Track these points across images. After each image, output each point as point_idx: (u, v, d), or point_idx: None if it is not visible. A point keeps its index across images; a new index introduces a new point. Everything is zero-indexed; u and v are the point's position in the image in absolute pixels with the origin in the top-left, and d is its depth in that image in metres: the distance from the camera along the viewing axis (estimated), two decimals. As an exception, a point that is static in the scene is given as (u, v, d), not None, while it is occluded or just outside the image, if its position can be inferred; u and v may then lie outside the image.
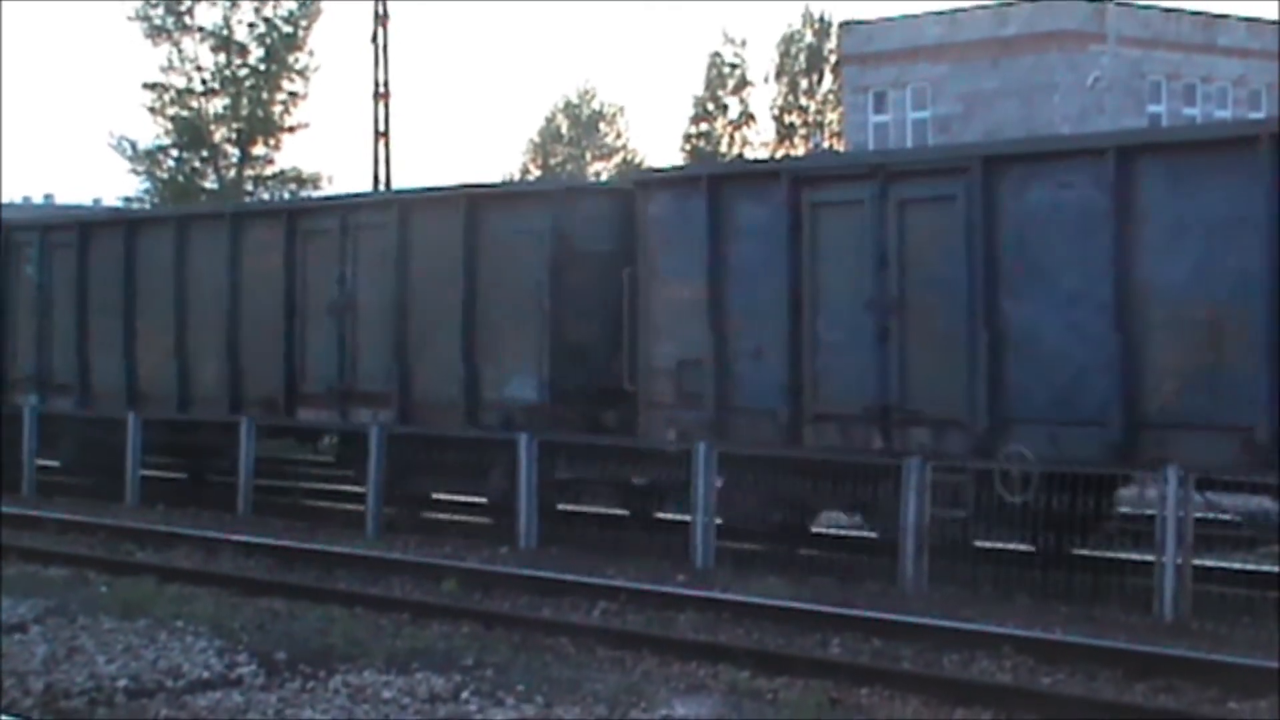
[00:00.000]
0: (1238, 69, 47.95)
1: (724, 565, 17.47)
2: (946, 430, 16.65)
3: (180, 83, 53.04)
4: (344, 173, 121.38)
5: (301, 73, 53.42)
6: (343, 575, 17.26)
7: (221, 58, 52.85)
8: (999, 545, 16.97)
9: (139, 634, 13.35)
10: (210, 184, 53.01)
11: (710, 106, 75.82)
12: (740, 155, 71.93)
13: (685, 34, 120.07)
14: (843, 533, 18.69)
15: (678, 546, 17.84)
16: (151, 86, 53.18)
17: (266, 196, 49.61)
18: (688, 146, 75.47)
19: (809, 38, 74.75)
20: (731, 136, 75.71)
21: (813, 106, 74.73)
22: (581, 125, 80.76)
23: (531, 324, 20.01)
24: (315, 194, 47.72)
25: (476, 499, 21.28)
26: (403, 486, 21.13)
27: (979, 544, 16.46)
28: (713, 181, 18.51)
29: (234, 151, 53.74)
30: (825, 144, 68.32)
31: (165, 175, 53.56)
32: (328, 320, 22.25)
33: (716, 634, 13.96)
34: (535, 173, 77.20)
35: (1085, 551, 16.21)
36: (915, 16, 48.47)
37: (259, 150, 53.86)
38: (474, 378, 20.62)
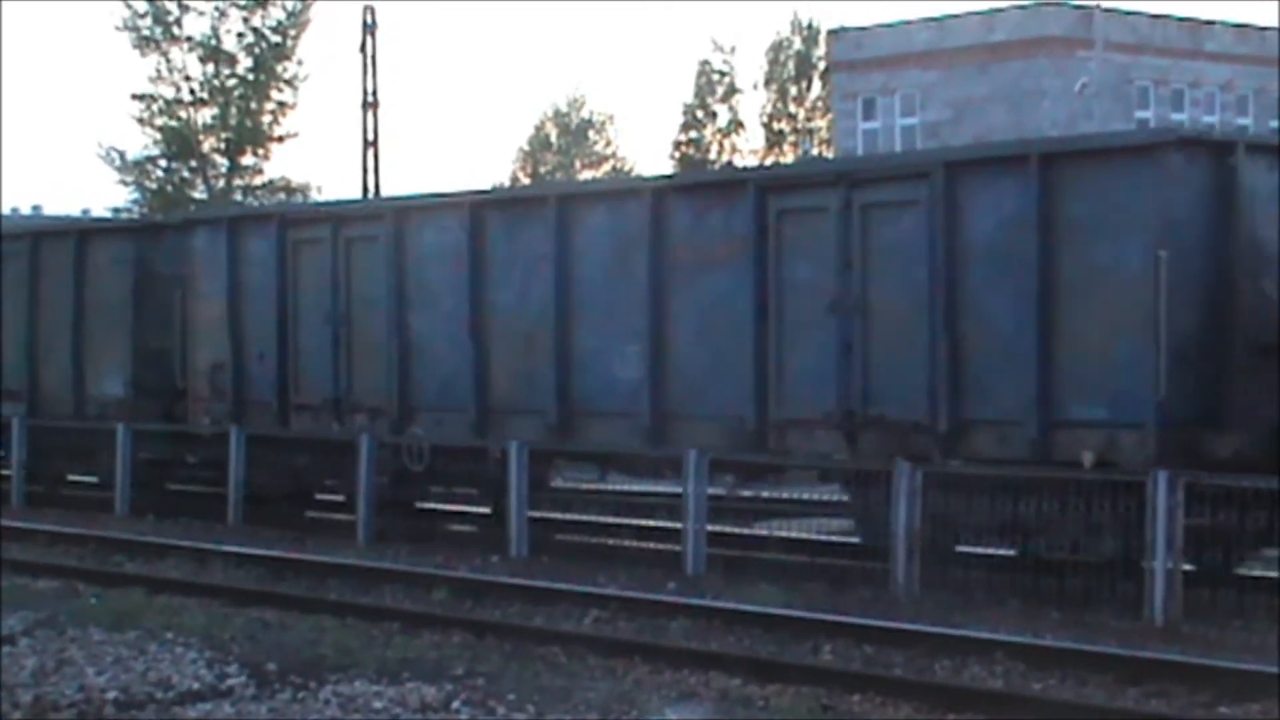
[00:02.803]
0: (1225, 74, 48.04)
1: (715, 572, 17.47)
2: (378, 416, 21.46)
3: (169, 93, 53.02)
4: (333, 182, 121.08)
5: (290, 82, 53.39)
6: (333, 585, 17.23)
7: (210, 68, 52.83)
8: (988, 551, 17.03)
9: (129, 645, 13.31)
10: (199, 194, 52.97)
11: (699, 114, 75.84)
12: (730, 163, 72.00)
13: (674, 41, 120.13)
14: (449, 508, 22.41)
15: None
16: (140, 97, 53.14)
17: (256, 205, 49.56)
18: (677, 154, 75.50)
19: (798, 44, 74.80)
20: (721, 144, 75.77)
21: (802, 113, 74.77)
22: (571, 133, 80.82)
23: (121, 334, 24.71)
24: (305, 202, 47.65)
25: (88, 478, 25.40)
26: (44, 467, 25.49)
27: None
28: (231, 222, 23.75)
29: (223, 161, 53.70)
30: (815, 151, 68.37)
31: (154, 185, 53.52)
32: None
33: (708, 641, 13.93)
34: (525, 180, 77.19)
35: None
36: (904, 23, 48.52)
37: (248, 160, 53.83)
38: (80, 377, 25.28)
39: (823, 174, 18.83)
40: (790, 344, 17.80)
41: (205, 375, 23.43)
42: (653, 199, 19.00)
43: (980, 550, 17.12)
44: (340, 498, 22.12)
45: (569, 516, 21.32)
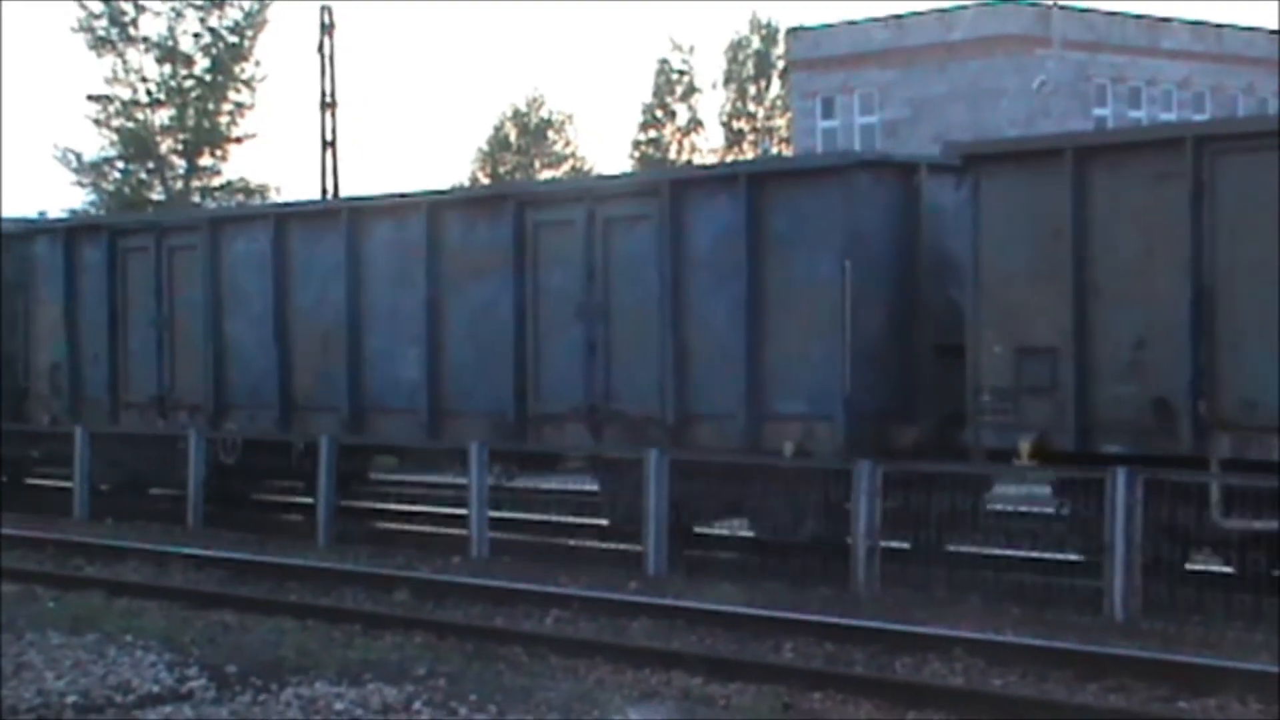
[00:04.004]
0: (1182, 71, 48.25)
1: (677, 572, 17.50)
2: (195, 414, 23.17)
3: (125, 94, 52.75)
4: (293, 183, 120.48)
5: (248, 83, 53.14)
6: (294, 587, 17.19)
7: (167, 69, 52.55)
8: (949, 549, 17.10)
9: (88, 649, 13.25)
10: (157, 195, 52.69)
11: (659, 113, 75.85)
12: (689, 161, 72.02)
13: (633, 41, 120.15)
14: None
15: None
16: (96, 98, 52.83)
17: (213, 206, 49.39)
18: (637, 154, 75.47)
19: (756, 43, 74.86)
20: (680, 143, 75.79)
21: (761, 112, 74.85)
22: (530, 133, 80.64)
23: None
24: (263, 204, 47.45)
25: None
26: None
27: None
28: (68, 232, 25.40)
29: (181, 163, 53.42)
30: (774, 149, 68.43)
31: (111, 187, 53.19)
32: None
33: (669, 641, 13.94)
34: (485, 180, 77.02)
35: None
36: (862, 21, 48.59)
37: (206, 161, 53.57)
38: None
39: (570, 190, 21.54)
40: (545, 346, 19.61)
41: (46, 375, 25.15)
42: (428, 213, 20.72)
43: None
44: (171, 491, 23.54)
45: (529, 516, 21.34)
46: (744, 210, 17.84)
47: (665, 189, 18.68)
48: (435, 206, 20.90)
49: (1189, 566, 15.72)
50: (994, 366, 16.20)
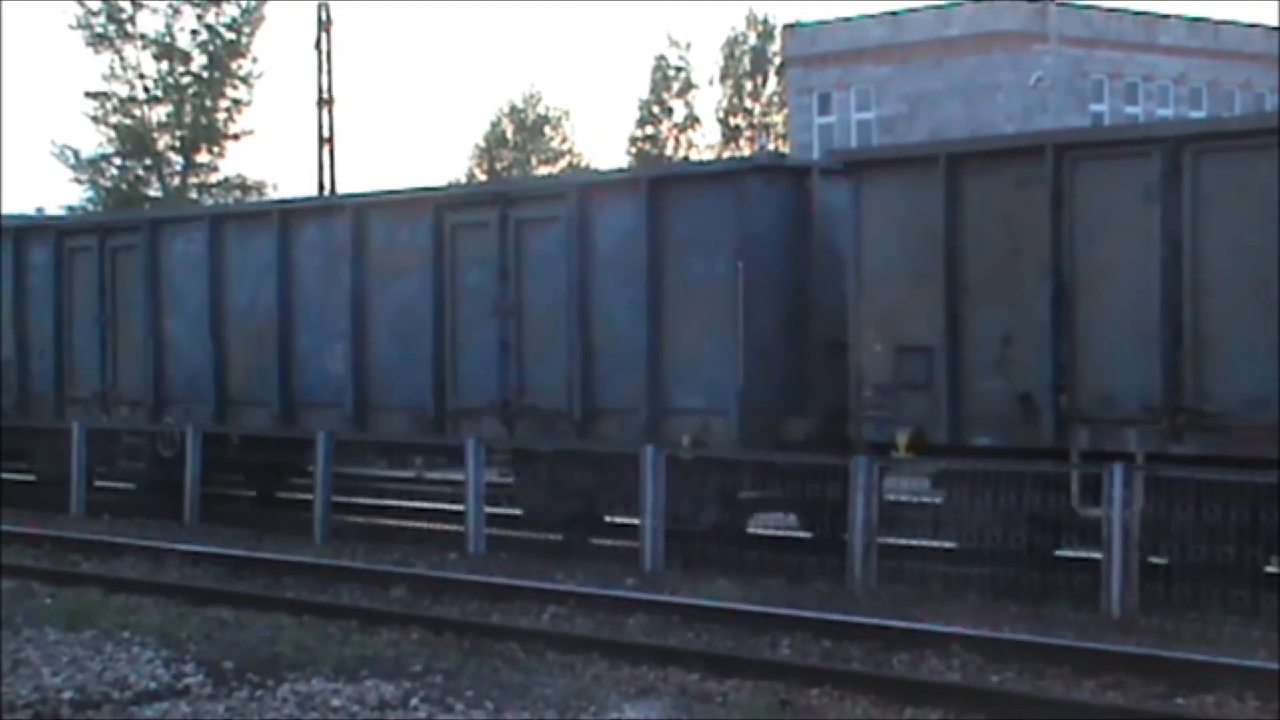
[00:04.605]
0: (1178, 67, 48.25)
1: (674, 568, 17.50)
2: (137, 408, 24.08)
3: (123, 91, 52.76)
4: (290, 179, 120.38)
5: (245, 79, 53.17)
6: (291, 583, 17.19)
7: (164, 65, 52.56)
8: (945, 545, 17.10)
9: (85, 645, 13.25)
10: (154, 192, 52.70)
11: (655, 109, 75.82)
12: (686, 158, 72.03)
13: (630, 37, 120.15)
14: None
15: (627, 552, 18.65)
16: (94, 95, 52.84)
17: (210, 203, 49.38)
18: (633, 150, 75.44)
19: (753, 40, 74.85)
20: (676, 139, 75.77)
21: (758, 109, 74.82)
22: (527, 130, 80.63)
23: None
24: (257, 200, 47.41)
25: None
26: None
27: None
28: (16, 232, 26.27)
29: (178, 159, 53.42)
30: (771, 146, 68.42)
31: (109, 184, 53.19)
32: None
33: (666, 637, 13.95)
34: (481, 177, 77.03)
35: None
36: (859, 18, 48.57)
37: (203, 158, 53.58)
38: None
39: (485, 194, 22.33)
40: (462, 343, 20.41)
41: None
42: (354, 215, 21.52)
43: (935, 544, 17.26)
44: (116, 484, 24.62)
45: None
46: (645, 213, 18.56)
47: (573, 193, 19.46)
48: (360, 209, 21.66)
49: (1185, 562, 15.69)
50: (875, 364, 17.04)
